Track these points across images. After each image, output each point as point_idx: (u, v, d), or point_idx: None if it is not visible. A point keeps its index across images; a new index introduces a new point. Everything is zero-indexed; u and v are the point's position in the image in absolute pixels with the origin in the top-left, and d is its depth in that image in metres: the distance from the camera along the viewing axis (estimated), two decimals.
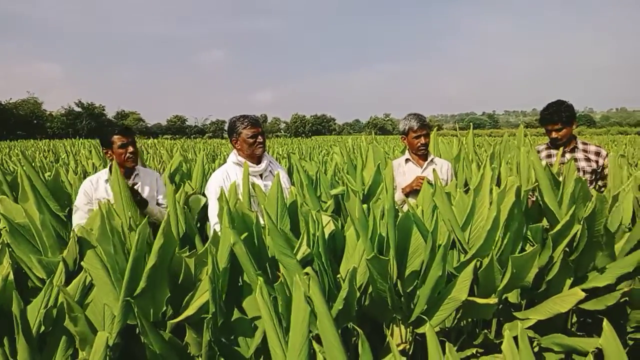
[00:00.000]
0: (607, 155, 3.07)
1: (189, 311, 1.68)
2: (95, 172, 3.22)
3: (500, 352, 2.08)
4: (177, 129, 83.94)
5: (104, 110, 75.08)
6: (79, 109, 71.20)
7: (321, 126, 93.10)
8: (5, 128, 53.13)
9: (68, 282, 1.76)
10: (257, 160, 2.58)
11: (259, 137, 2.55)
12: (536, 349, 2.09)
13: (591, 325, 2.15)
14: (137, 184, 2.63)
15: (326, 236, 1.83)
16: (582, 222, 1.71)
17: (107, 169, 2.69)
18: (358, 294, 1.64)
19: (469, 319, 2.10)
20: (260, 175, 2.57)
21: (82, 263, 1.75)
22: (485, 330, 1.93)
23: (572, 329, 2.09)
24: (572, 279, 1.91)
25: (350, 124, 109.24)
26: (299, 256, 1.86)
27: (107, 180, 2.63)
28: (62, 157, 8.44)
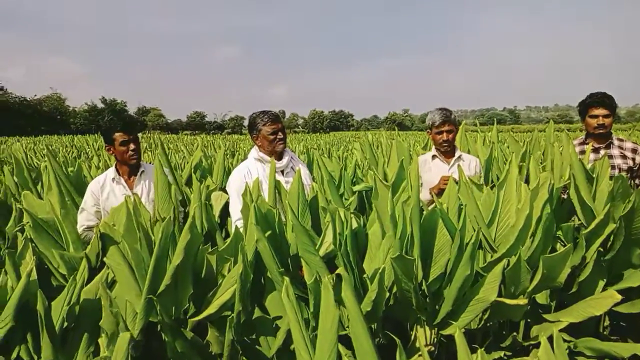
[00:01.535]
0: None
1: (211, 309, 1.66)
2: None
3: (528, 354, 2.02)
4: (197, 124, 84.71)
5: (125, 106, 76.26)
6: (102, 105, 72.45)
7: (339, 122, 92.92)
8: (31, 124, 54.31)
9: (90, 278, 1.75)
10: (278, 156, 2.54)
11: (279, 133, 2.52)
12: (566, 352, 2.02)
13: (625, 329, 2.06)
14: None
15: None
16: (619, 221, 1.63)
17: (113, 168, 2.63)
18: (387, 295, 1.59)
19: (496, 321, 2.04)
20: (282, 172, 2.54)
21: (104, 259, 1.74)
22: (514, 333, 1.86)
23: (604, 332, 2.01)
24: (605, 280, 1.83)
25: (368, 119, 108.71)
26: (321, 253, 1.82)
27: (113, 179, 2.59)
28: (87, 151, 8.57)
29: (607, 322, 2.04)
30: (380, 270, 1.43)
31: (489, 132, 3.86)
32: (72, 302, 1.62)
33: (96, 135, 24.43)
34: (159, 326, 1.78)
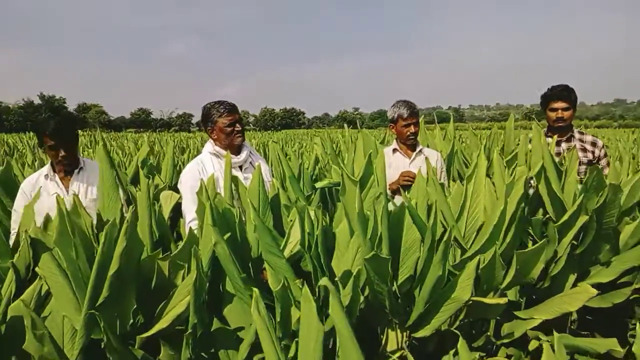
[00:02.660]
0: (603, 146, 2.99)
1: (162, 323, 1.47)
2: None
3: (496, 354, 1.97)
4: (142, 122, 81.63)
5: (64, 102, 72.28)
6: (39, 102, 68.32)
7: (290, 119, 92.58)
8: None
9: (19, 292, 1.52)
10: (236, 151, 2.36)
11: (237, 125, 2.34)
12: (536, 347, 1.99)
13: (592, 323, 2.05)
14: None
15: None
16: (591, 214, 1.60)
17: (49, 164, 2.37)
18: (362, 299, 1.47)
19: (465, 320, 1.97)
20: (240, 167, 2.36)
21: (36, 269, 1.51)
22: (487, 333, 1.80)
23: (572, 327, 2.00)
24: (575, 274, 1.81)
25: (320, 117, 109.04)
26: (286, 255, 1.68)
27: (47, 176, 2.33)
28: (21, 149, 7.91)
29: (573, 317, 2.02)
30: (355, 274, 1.30)
31: (441, 130, 3.87)
32: None
33: (31, 132, 22.95)
34: (102, 344, 1.57)
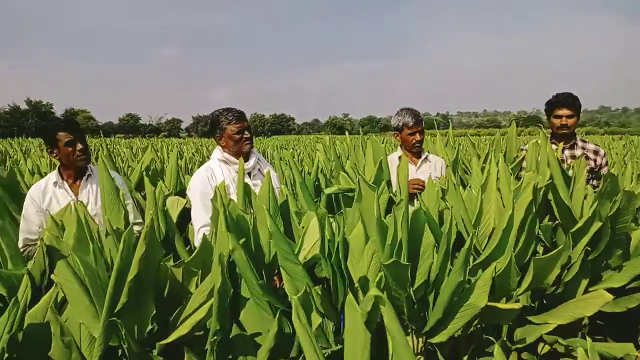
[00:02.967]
0: (605, 155, 3.03)
1: (183, 329, 1.46)
2: (53, 170, 2.83)
3: (507, 359, 1.98)
4: (130, 127, 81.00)
5: (51, 108, 71.49)
6: (26, 107, 67.44)
7: (280, 125, 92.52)
8: None
9: (35, 299, 1.49)
10: (245, 158, 2.36)
11: (246, 132, 2.33)
12: (544, 351, 2.00)
13: (604, 328, 2.07)
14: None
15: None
16: (605, 220, 1.62)
17: (56, 171, 2.35)
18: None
19: (478, 326, 1.98)
20: (249, 174, 2.35)
21: (52, 276, 1.49)
22: (504, 338, 1.80)
23: (583, 331, 2.01)
24: (587, 279, 1.82)
25: (310, 123, 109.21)
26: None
27: (55, 183, 2.31)
28: (13, 155, 7.80)
29: (584, 321, 2.04)
30: (377, 280, 1.30)
31: (442, 136, 3.91)
32: (14, 329, 1.36)
33: (20, 138, 22.62)
34: (119, 352, 1.55)
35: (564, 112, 2.96)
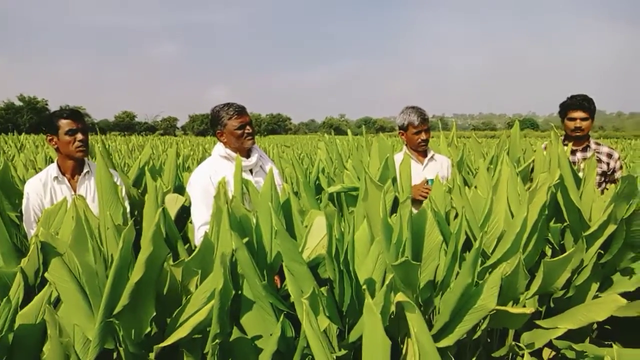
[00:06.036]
0: (619, 157, 2.98)
1: (182, 332, 1.40)
2: (48, 164, 2.75)
3: None
4: (126, 125, 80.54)
5: (46, 104, 70.98)
6: (20, 103, 66.92)
7: (277, 125, 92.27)
8: None
9: (28, 298, 1.43)
10: (247, 154, 2.30)
11: (247, 127, 2.27)
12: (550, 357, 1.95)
13: (611, 333, 2.03)
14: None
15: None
16: (620, 223, 1.57)
17: (55, 165, 2.29)
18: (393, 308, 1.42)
19: (485, 329, 1.94)
20: (250, 171, 2.29)
21: (45, 275, 1.43)
22: (512, 342, 1.76)
23: (592, 336, 1.97)
24: (598, 283, 1.78)
25: (306, 123, 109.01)
26: None
27: (56, 178, 2.25)
28: (7, 151, 7.69)
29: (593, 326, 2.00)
30: (387, 282, 1.25)
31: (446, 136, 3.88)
32: (4, 330, 1.30)
33: (15, 133, 22.44)
34: (114, 354, 1.49)
35: (579, 114, 2.90)
